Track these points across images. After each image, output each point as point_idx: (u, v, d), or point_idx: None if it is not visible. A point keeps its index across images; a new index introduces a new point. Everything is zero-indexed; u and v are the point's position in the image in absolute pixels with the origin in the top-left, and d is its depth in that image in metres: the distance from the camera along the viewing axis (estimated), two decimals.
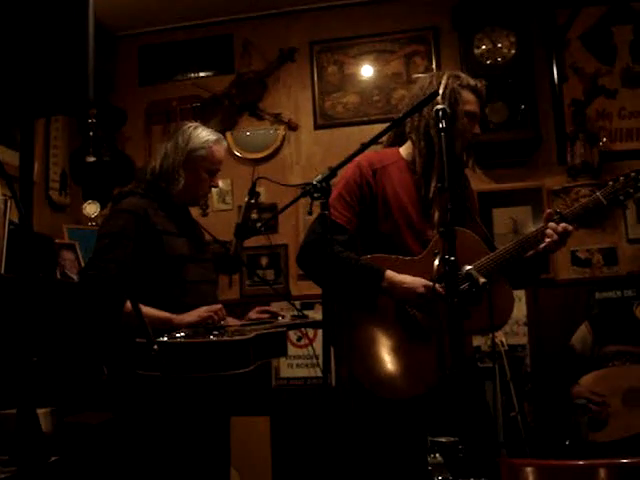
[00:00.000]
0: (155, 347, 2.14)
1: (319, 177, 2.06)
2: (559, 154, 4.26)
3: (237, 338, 2.47)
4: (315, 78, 4.62)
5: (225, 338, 2.47)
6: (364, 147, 2.16)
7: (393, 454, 2.34)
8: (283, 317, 2.99)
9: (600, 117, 4.26)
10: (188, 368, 2.40)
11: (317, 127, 4.61)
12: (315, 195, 2.06)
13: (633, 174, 2.48)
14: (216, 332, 2.54)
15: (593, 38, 4.33)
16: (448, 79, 2.45)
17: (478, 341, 4.03)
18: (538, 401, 3.86)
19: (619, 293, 4.00)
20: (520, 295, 4.15)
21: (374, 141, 2.13)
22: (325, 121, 4.59)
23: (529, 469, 1.72)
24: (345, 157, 2.19)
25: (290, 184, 2.94)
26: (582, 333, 3.44)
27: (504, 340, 3.87)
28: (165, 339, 2.39)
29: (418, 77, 2.70)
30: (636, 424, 3.12)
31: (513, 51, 4.18)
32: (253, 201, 2.72)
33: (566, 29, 4.32)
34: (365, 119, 4.43)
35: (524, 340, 4.15)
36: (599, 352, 3.33)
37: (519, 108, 4.14)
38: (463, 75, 2.52)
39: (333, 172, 2.11)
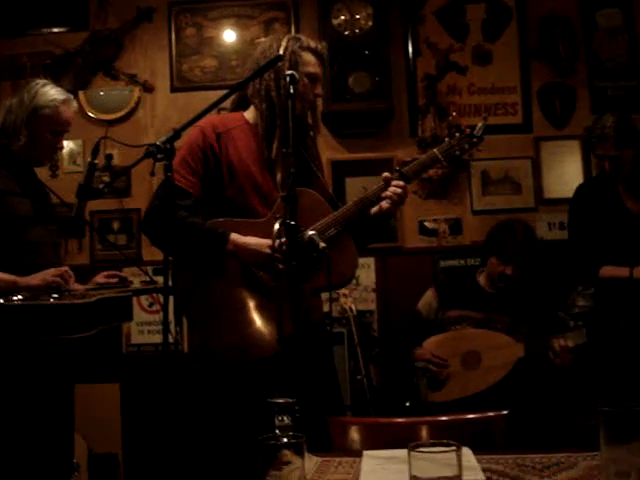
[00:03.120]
0: None
1: (163, 138, 2.03)
2: (411, 126, 4.38)
3: (77, 301, 2.42)
4: (173, 40, 4.51)
5: (65, 301, 2.41)
6: (206, 110, 2.15)
7: (242, 416, 2.36)
8: (131, 282, 2.94)
9: (450, 92, 4.41)
10: (25, 331, 2.33)
11: (173, 90, 4.52)
12: (158, 156, 2.02)
13: (468, 130, 2.59)
14: (56, 295, 2.47)
15: (447, 15, 4.45)
16: (288, 42, 2.47)
17: (328, 306, 4.11)
18: (384, 364, 3.99)
19: (462, 262, 4.20)
20: (369, 262, 4.27)
21: (216, 105, 2.13)
22: (182, 84, 4.51)
23: (355, 427, 1.79)
24: (189, 120, 2.18)
25: (136, 145, 2.86)
26: (428, 299, 3.57)
27: (353, 306, 3.97)
28: (1, 301, 2.31)
29: (259, 41, 2.71)
30: (473, 385, 3.28)
31: (370, 23, 4.23)
32: (97, 161, 2.65)
33: (422, 4, 4.42)
34: (223, 84, 4.36)
35: (372, 306, 4.28)
36: (443, 316, 3.47)
37: (374, 80, 4.22)
38: (304, 37, 2.54)
39: (177, 134, 2.08)
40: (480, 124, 2.60)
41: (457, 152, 2.55)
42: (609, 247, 3.26)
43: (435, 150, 2.54)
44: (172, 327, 2.08)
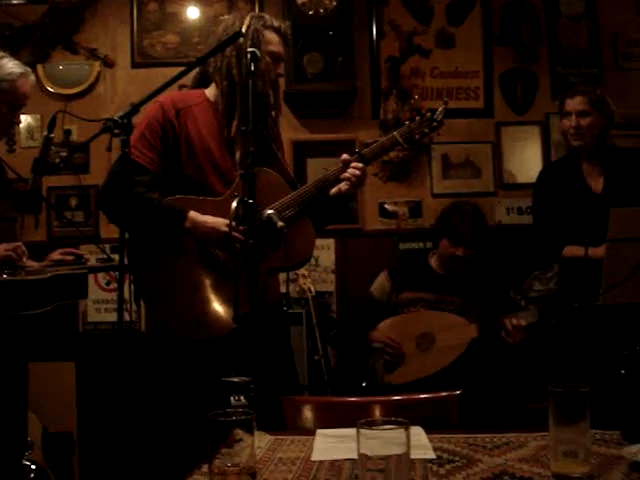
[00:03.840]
0: None
1: (120, 113, 2.00)
2: (373, 108, 4.37)
3: (30, 278, 2.38)
4: (135, 14, 4.43)
5: (17, 277, 2.37)
6: (165, 86, 2.13)
7: (198, 395, 2.35)
8: (88, 260, 2.91)
9: (413, 75, 4.41)
10: None
11: (135, 65, 4.44)
12: (115, 132, 1.99)
13: (429, 114, 2.59)
14: (9, 271, 2.43)
15: None
16: (251, 20, 2.45)
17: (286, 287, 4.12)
18: (342, 345, 4.01)
19: (422, 244, 4.22)
20: (329, 244, 4.27)
21: (175, 80, 2.11)
22: (143, 60, 4.43)
23: (308, 406, 1.80)
24: (147, 94, 2.15)
25: (94, 119, 2.81)
26: (381, 282, 3.59)
27: (312, 287, 3.97)
28: None
29: (223, 19, 2.68)
30: (428, 366, 3.31)
31: (334, 3, 4.19)
32: (53, 135, 2.61)
33: None
34: (184, 60, 4.29)
35: (331, 287, 4.28)
36: (396, 299, 3.49)
37: (337, 60, 4.20)
38: (267, 16, 2.53)
39: (135, 109, 2.05)
40: (441, 108, 2.61)
41: (417, 136, 2.55)
42: (571, 227, 3.29)
43: (395, 133, 2.54)
44: (129, 306, 2.06)
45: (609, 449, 1.50)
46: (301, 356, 3.80)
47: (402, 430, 1.09)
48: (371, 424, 1.10)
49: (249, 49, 2.22)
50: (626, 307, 2.67)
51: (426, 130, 2.57)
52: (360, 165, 2.45)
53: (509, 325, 3.18)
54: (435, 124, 2.58)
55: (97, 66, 4.41)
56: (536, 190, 3.55)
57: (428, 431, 1.68)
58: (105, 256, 3.11)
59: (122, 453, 2.23)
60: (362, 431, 1.09)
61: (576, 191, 3.33)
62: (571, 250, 3.27)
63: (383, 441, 1.08)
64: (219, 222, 2.32)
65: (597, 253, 2.96)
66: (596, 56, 4.44)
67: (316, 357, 3.80)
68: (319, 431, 1.71)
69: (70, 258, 2.85)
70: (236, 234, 2.22)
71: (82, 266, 2.82)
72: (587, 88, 3.39)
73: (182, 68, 2.18)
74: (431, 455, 1.51)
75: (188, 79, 2.67)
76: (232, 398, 1.71)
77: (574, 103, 3.33)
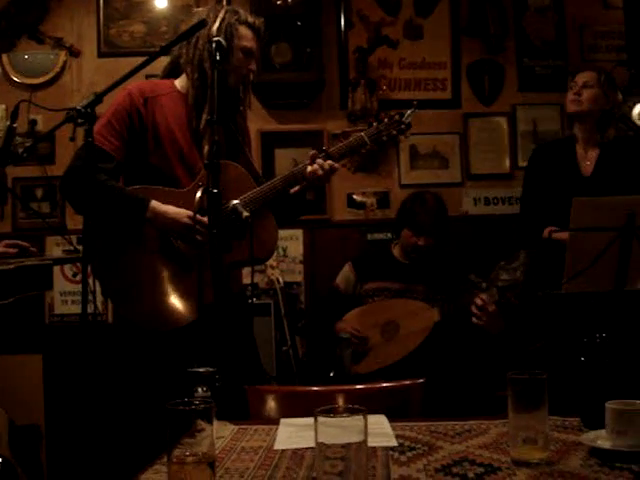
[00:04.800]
0: None
1: (84, 102, 2.00)
2: (342, 99, 4.37)
3: None
4: (101, 3, 4.38)
5: None
6: (129, 74, 2.12)
7: (163, 386, 2.34)
8: (35, 252, 2.80)
9: (381, 66, 4.41)
10: None
11: (101, 55, 4.40)
12: (79, 121, 1.99)
13: (397, 117, 2.60)
14: None
15: None
16: (226, 13, 2.45)
17: (255, 278, 4.12)
18: (310, 336, 4.02)
19: (390, 235, 4.23)
20: (297, 234, 4.27)
21: (138, 70, 2.11)
22: (109, 49, 4.39)
23: (272, 395, 1.80)
24: (111, 84, 2.13)
25: (59, 109, 2.78)
26: (345, 273, 3.61)
27: (280, 278, 3.97)
28: None
29: (196, 11, 2.66)
30: (393, 354, 3.33)
31: None
32: (15, 125, 2.57)
33: None
34: (152, 50, 4.25)
35: (300, 278, 4.29)
36: (361, 289, 3.50)
37: (305, 50, 4.19)
38: (242, 11, 2.52)
39: (98, 98, 2.05)
40: (409, 111, 2.60)
41: (384, 138, 2.56)
42: (556, 209, 3.24)
43: (363, 134, 2.55)
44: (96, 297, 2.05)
45: (569, 435, 1.52)
46: (269, 347, 3.81)
47: (360, 417, 1.09)
48: (329, 412, 1.10)
49: (214, 38, 2.21)
50: (587, 295, 2.70)
51: (394, 132, 2.57)
52: (327, 163, 2.45)
53: (478, 300, 3.18)
54: (403, 127, 2.59)
55: (63, 55, 4.37)
56: (527, 169, 3.51)
57: (392, 419, 1.70)
58: (71, 247, 3.07)
59: (90, 445, 2.23)
60: (321, 419, 1.09)
61: (565, 173, 3.27)
62: (553, 234, 3.25)
63: (342, 429, 1.09)
64: (181, 213, 2.32)
65: (562, 236, 2.96)
66: (562, 48, 4.48)
67: (284, 348, 3.81)
68: (282, 420, 1.72)
69: (13, 251, 2.72)
70: (198, 226, 2.21)
71: (46, 257, 2.78)
72: (602, 68, 3.35)
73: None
74: (393, 443, 1.52)
75: (158, 69, 2.66)
76: (199, 389, 1.71)
77: (583, 76, 3.28)
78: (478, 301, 3.15)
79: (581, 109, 3.24)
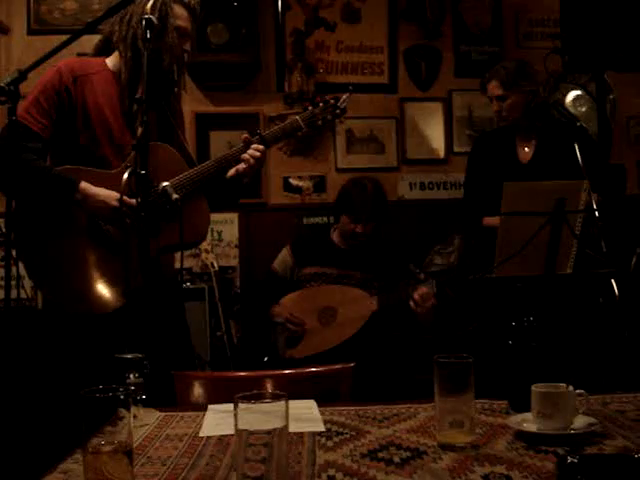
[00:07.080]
0: None
1: (7, 79, 1.92)
2: (278, 81, 4.34)
3: None
4: None
5: None
6: (54, 51, 2.04)
7: (91, 373, 2.29)
8: None
9: (319, 49, 4.39)
10: None
11: (31, 32, 4.27)
12: (1, 99, 1.91)
13: (332, 101, 2.59)
14: None
15: None
16: None
17: (189, 263, 4.07)
18: (245, 321, 3.98)
19: (326, 219, 4.23)
20: (232, 218, 4.23)
21: (63, 46, 2.02)
22: (40, 26, 4.27)
23: (199, 381, 1.77)
24: (35, 60, 2.06)
25: None
26: (283, 257, 3.58)
27: (215, 262, 3.93)
28: None
29: None
30: (329, 340, 3.32)
31: None
32: None
33: None
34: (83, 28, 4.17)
35: (235, 262, 4.25)
36: (299, 274, 3.48)
37: (241, 32, 4.13)
38: None
39: (22, 75, 1.98)
40: (345, 96, 2.60)
41: (319, 122, 2.55)
42: (496, 196, 3.26)
43: (297, 117, 2.53)
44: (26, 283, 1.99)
45: (496, 418, 1.54)
46: (203, 332, 3.77)
47: (282, 403, 1.07)
48: (251, 398, 1.08)
49: (145, 15, 2.15)
50: (516, 279, 2.73)
51: (329, 117, 2.56)
52: (261, 147, 2.42)
53: (417, 296, 3.21)
54: (338, 112, 2.58)
55: None
56: (469, 156, 3.54)
57: (321, 404, 1.69)
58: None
59: (16, 433, 2.17)
60: (241, 405, 1.07)
61: (505, 160, 3.32)
62: (487, 220, 3.28)
63: (263, 414, 1.07)
64: (111, 196, 2.25)
65: (493, 222, 2.99)
66: (498, 34, 4.52)
67: (219, 333, 3.77)
68: (210, 407, 1.69)
69: None
70: (125, 208, 2.15)
71: None
72: (500, 69, 3.35)
73: (82, 36, 2.10)
74: (321, 428, 1.51)
75: (90, 47, 2.58)
76: (131, 375, 1.67)
77: (490, 88, 3.33)
78: (417, 296, 3.18)
79: (509, 121, 3.31)
